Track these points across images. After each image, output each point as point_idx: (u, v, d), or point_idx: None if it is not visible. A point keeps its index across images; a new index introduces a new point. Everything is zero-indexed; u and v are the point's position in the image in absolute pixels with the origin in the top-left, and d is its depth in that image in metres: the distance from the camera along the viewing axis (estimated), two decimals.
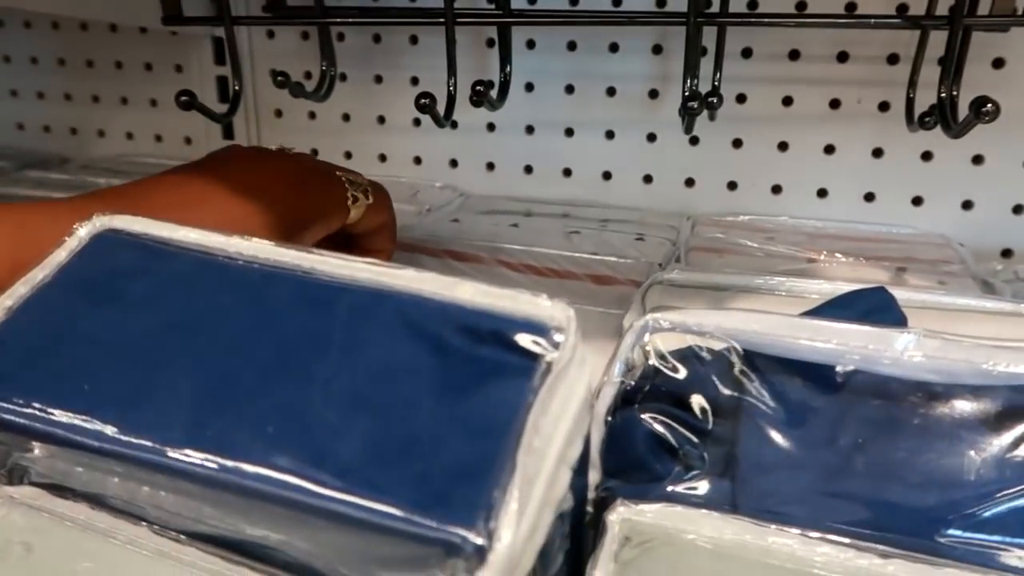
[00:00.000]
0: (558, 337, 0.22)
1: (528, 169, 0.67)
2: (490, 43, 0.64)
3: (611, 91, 0.62)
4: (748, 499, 0.25)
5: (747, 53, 0.57)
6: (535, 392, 0.21)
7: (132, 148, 0.81)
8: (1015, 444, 0.24)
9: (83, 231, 0.29)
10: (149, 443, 0.22)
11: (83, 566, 0.24)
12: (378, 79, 0.69)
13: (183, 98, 0.51)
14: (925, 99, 0.48)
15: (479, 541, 0.19)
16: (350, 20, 0.64)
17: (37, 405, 0.23)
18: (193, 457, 0.21)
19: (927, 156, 0.56)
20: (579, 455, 0.23)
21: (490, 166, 0.68)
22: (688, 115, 0.45)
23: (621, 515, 0.25)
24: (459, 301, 0.24)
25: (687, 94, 0.44)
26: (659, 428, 0.27)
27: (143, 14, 0.59)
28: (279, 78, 0.54)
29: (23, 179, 0.72)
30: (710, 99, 0.43)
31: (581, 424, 0.23)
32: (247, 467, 0.21)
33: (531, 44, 0.63)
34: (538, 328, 0.23)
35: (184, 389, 0.23)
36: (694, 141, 0.61)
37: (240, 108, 0.59)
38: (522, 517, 0.19)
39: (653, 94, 0.61)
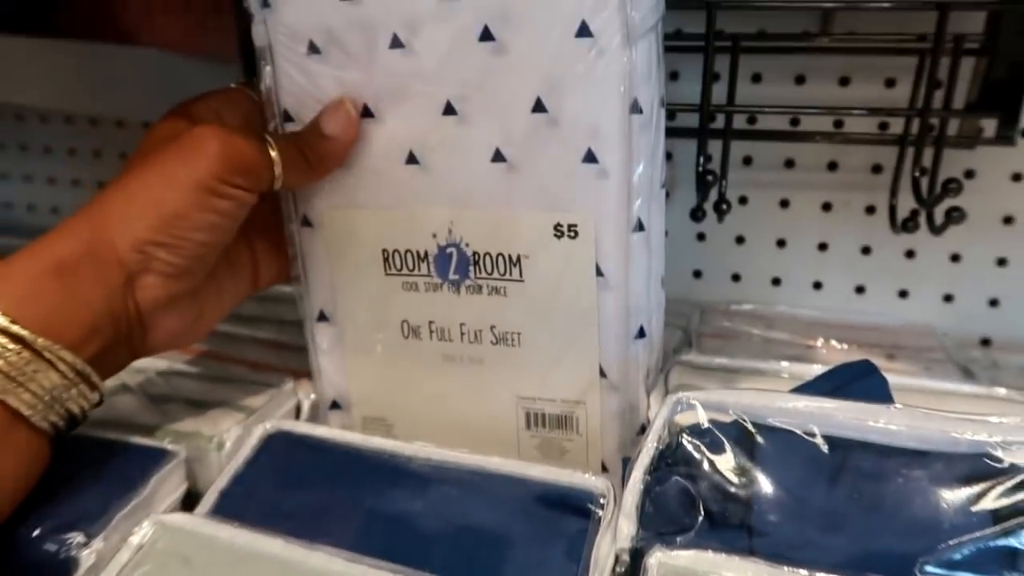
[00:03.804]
0: (602, 500, 0.35)
1: None
2: None
3: None
4: (763, 546, 0.30)
5: (748, 161, 0.64)
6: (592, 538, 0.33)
7: None
8: (978, 498, 0.29)
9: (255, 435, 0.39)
10: None
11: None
12: None
13: None
14: (905, 205, 0.55)
15: None
16: None
17: None
18: None
19: (910, 254, 0.63)
20: None
21: None
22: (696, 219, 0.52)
23: (659, 559, 0.30)
24: (532, 477, 0.36)
25: (695, 205, 0.51)
26: (687, 487, 0.32)
27: (143, 109, 0.66)
28: None
29: None
30: (720, 206, 0.50)
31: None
32: None
33: None
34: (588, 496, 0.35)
35: None
36: (701, 237, 0.67)
37: None
38: None
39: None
